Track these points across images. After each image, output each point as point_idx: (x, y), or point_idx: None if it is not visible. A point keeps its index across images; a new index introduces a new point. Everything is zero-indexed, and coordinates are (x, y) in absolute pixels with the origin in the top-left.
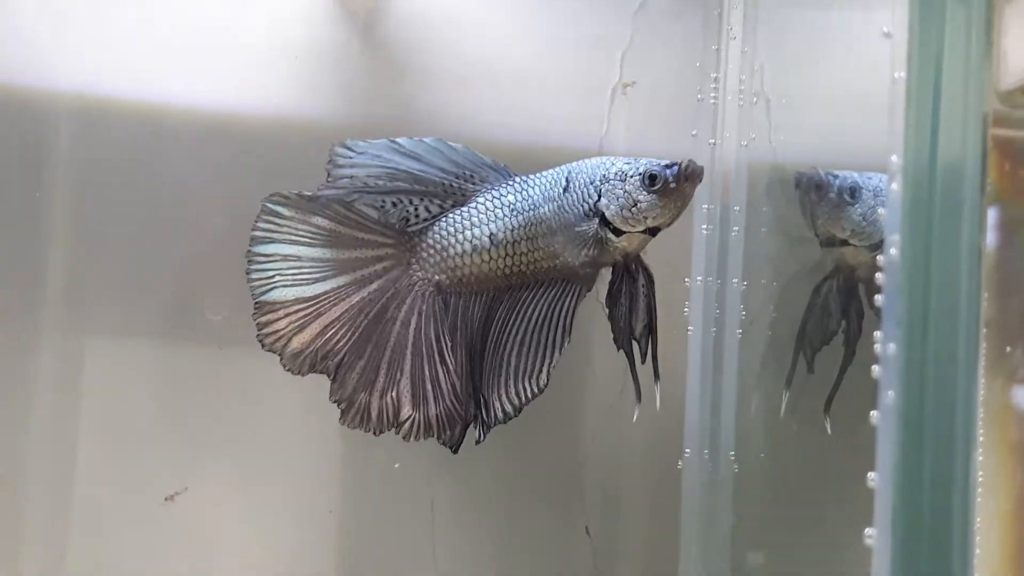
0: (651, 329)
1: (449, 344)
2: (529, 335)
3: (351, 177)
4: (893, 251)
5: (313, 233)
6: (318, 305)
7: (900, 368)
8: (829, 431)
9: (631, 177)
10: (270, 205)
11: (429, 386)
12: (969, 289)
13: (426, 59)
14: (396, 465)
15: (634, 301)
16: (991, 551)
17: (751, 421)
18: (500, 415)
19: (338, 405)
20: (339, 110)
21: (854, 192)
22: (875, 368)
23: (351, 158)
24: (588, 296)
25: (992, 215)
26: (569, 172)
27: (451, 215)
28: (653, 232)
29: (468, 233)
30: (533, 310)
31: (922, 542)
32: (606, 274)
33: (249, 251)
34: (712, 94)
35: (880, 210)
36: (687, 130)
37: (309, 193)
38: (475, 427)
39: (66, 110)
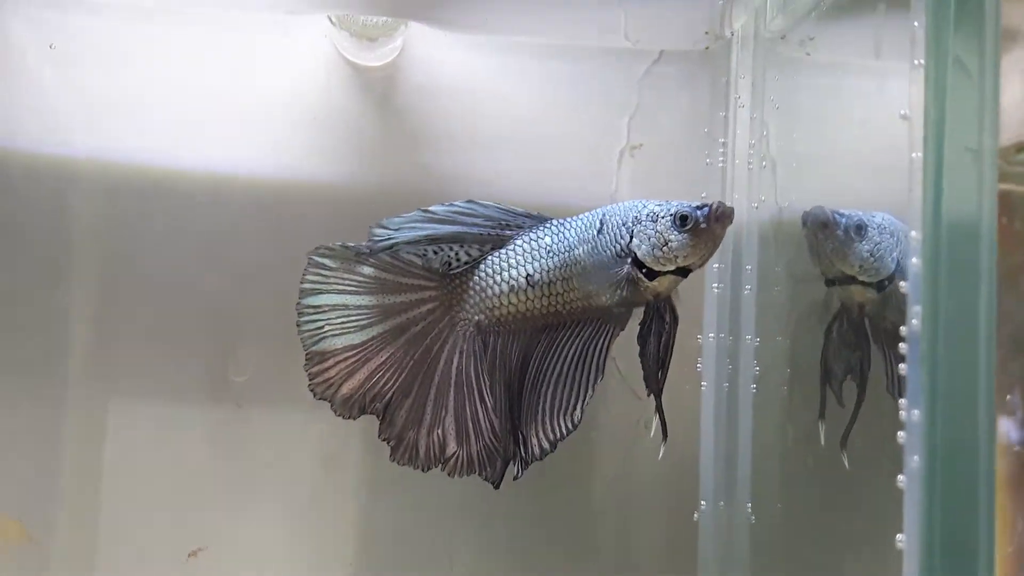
0: (664, 363)
1: (488, 383)
2: (564, 373)
3: (393, 246)
4: (915, 322)
5: (359, 282)
6: (366, 351)
7: (924, 434)
8: (847, 465)
9: (662, 218)
10: (317, 258)
11: (471, 423)
12: (987, 355)
13: (440, 125)
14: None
15: (661, 340)
16: None
17: (769, 472)
18: (537, 451)
19: (387, 443)
20: (355, 175)
21: (860, 229)
22: (900, 434)
23: (390, 235)
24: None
25: None
26: (603, 214)
27: (490, 257)
28: (684, 273)
29: (506, 274)
30: (568, 349)
31: None
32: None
33: (299, 303)
34: (720, 158)
35: (884, 246)
36: (696, 192)
37: (353, 244)
38: (514, 464)
39: (88, 177)
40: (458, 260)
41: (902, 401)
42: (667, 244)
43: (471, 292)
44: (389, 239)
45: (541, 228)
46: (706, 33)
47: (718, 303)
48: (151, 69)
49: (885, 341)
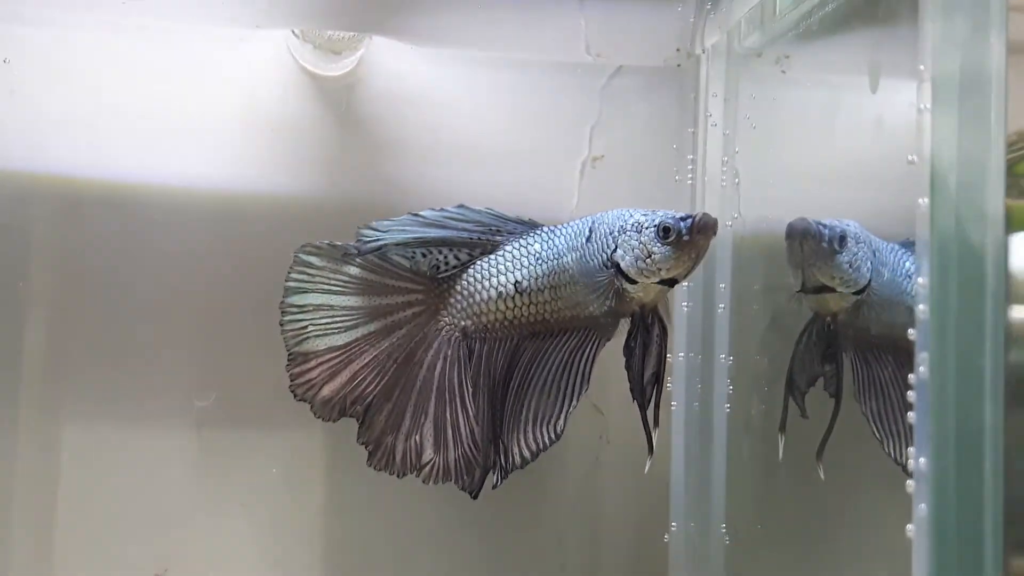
0: (658, 378)
1: (471, 390)
2: (549, 382)
3: (381, 247)
4: (922, 369)
5: (345, 282)
6: (349, 353)
7: (931, 482)
8: (822, 477)
9: (646, 228)
10: (303, 256)
11: (450, 431)
12: (995, 403)
13: (402, 136)
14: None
15: (647, 351)
16: None
17: (746, 493)
18: (518, 461)
19: (365, 447)
20: (314, 185)
21: (842, 240)
22: (909, 483)
23: (378, 236)
24: None
25: None
26: (593, 222)
27: (479, 262)
28: (669, 283)
29: (494, 280)
30: (554, 357)
31: None
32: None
33: (282, 302)
34: (689, 175)
35: (860, 256)
36: (664, 208)
37: (341, 243)
38: (494, 473)
39: (42, 194)
40: (447, 264)
41: (911, 450)
42: (650, 256)
43: (459, 297)
44: (377, 240)
45: (531, 235)
46: (677, 50)
47: (688, 322)
48: (107, 83)
49: (855, 350)
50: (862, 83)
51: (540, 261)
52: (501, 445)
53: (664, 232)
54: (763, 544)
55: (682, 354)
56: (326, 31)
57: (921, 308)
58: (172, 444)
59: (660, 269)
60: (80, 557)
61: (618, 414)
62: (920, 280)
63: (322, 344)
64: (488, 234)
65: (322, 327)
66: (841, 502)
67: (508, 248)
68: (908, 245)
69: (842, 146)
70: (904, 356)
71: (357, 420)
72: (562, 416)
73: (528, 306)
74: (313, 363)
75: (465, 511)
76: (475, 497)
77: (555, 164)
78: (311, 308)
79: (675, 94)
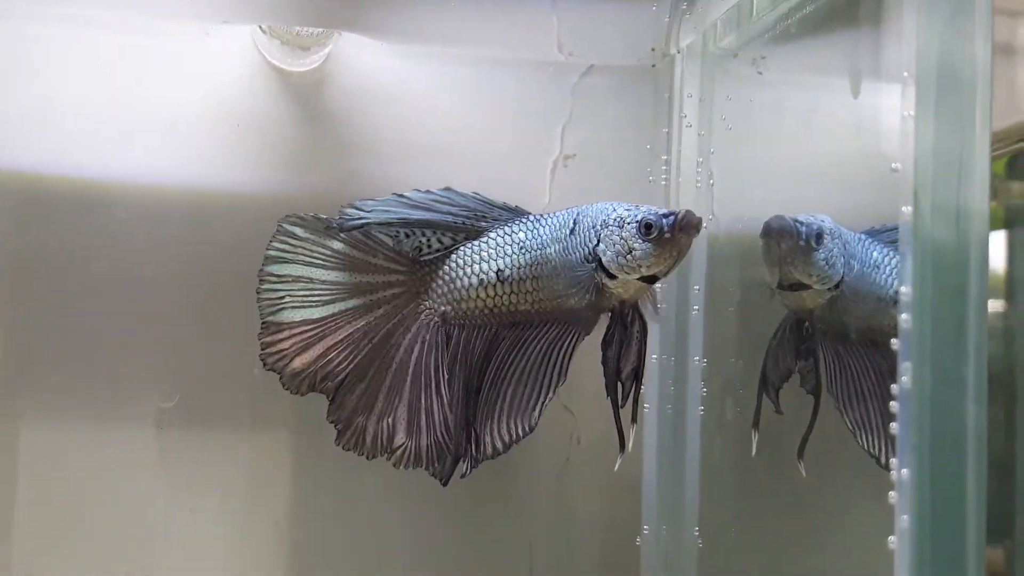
0: (637, 374)
1: (447, 377)
2: (526, 373)
3: (363, 225)
4: (905, 379)
5: (327, 256)
6: (324, 327)
7: (913, 493)
8: (803, 474)
9: (628, 224)
10: (286, 226)
11: (423, 416)
12: (978, 414)
13: (368, 132)
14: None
15: (625, 348)
16: None
17: (719, 496)
18: (490, 451)
19: (335, 426)
20: (282, 182)
21: (819, 237)
22: (892, 494)
23: (362, 215)
24: None
25: None
26: (578, 214)
27: (462, 248)
28: (650, 280)
29: (476, 267)
30: (532, 348)
31: None
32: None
33: (261, 270)
34: (663, 176)
35: (836, 252)
36: None
37: (326, 216)
38: (464, 462)
39: (2, 190)
40: (429, 247)
41: (893, 461)
42: (631, 252)
43: (440, 282)
44: (360, 219)
45: (516, 223)
46: (652, 50)
47: (662, 324)
48: (70, 77)
49: (829, 345)
50: (839, 85)
51: (524, 251)
52: (473, 433)
53: (646, 228)
54: (737, 548)
55: (655, 356)
56: (294, 27)
57: (904, 317)
58: (136, 445)
59: (640, 266)
60: (43, 561)
61: (589, 415)
62: (903, 289)
63: (297, 316)
64: (473, 219)
65: (300, 299)
66: (817, 506)
67: (492, 235)
68: (873, 234)
69: (819, 148)
70: (877, 349)
71: (328, 397)
72: (537, 408)
73: (509, 295)
74: (286, 334)
75: (434, 512)
76: (445, 484)
77: (526, 163)
78: (290, 279)
79: (649, 94)
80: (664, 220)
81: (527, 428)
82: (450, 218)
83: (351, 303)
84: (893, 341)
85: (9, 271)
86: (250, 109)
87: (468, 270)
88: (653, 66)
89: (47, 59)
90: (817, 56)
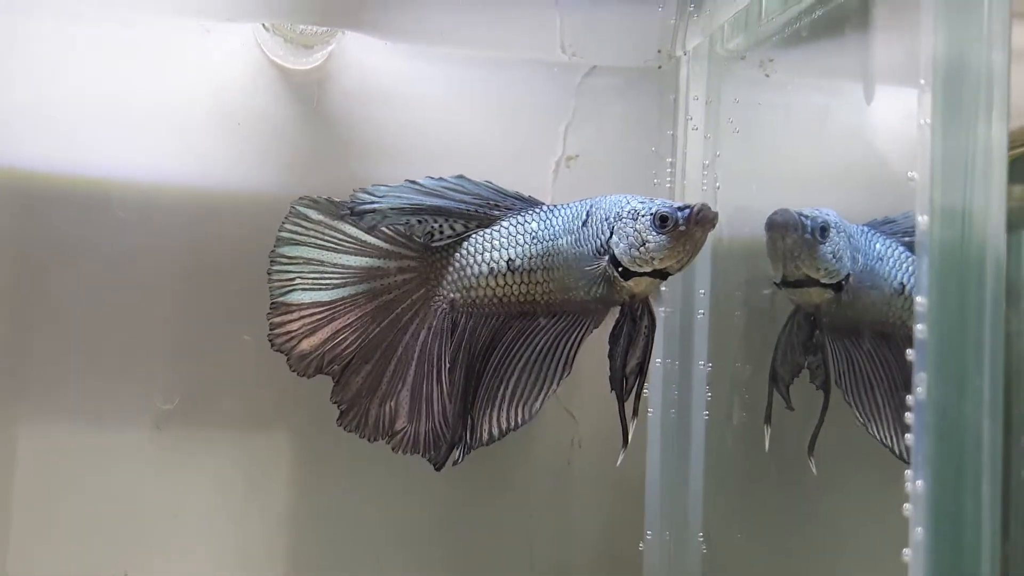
0: (642, 369)
1: (448, 366)
2: (532, 362)
3: (374, 211)
4: (920, 390)
5: (339, 240)
6: (333, 310)
7: (929, 505)
8: (814, 471)
9: (642, 216)
10: (299, 208)
11: (424, 403)
12: (993, 425)
13: (370, 131)
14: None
15: (632, 343)
16: None
17: (725, 501)
18: (485, 437)
19: (338, 407)
20: (283, 181)
21: (824, 231)
22: (906, 506)
23: (374, 200)
24: None
25: None
26: (591, 206)
27: (474, 236)
28: (662, 275)
29: (487, 256)
30: (540, 338)
31: None
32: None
33: (273, 251)
34: (668, 178)
35: (842, 246)
36: None
37: (339, 200)
38: (457, 448)
39: (7, 188)
40: (441, 233)
41: (907, 472)
42: (644, 244)
43: (450, 269)
44: (372, 204)
45: (529, 213)
46: (659, 52)
47: (666, 328)
48: (70, 73)
49: (836, 341)
50: (848, 89)
51: (535, 241)
52: (470, 421)
53: (661, 221)
54: (741, 554)
55: (659, 360)
56: (298, 25)
57: (919, 328)
58: (134, 446)
59: (653, 259)
60: (42, 561)
61: (590, 419)
62: (918, 299)
63: (308, 298)
64: (486, 208)
65: (310, 281)
66: (824, 512)
67: (504, 224)
68: (874, 226)
69: (827, 152)
70: (885, 342)
71: (333, 379)
72: (540, 398)
73: (519, 285)
74: (295, 315)
75: (434, 515)
76: (438, 470)
77: (528, 163)
78: (301, 261)
79: (654, 96)
80: (679, 213)
81: (528, 416)
82: (463, 206)
83: (361, 287)
84: (909, 352)
85: (9, 270)
86: (251, 107)
87: (479, 258)
88: (659, 68)
89: (45, 55)
90: (827, 60)
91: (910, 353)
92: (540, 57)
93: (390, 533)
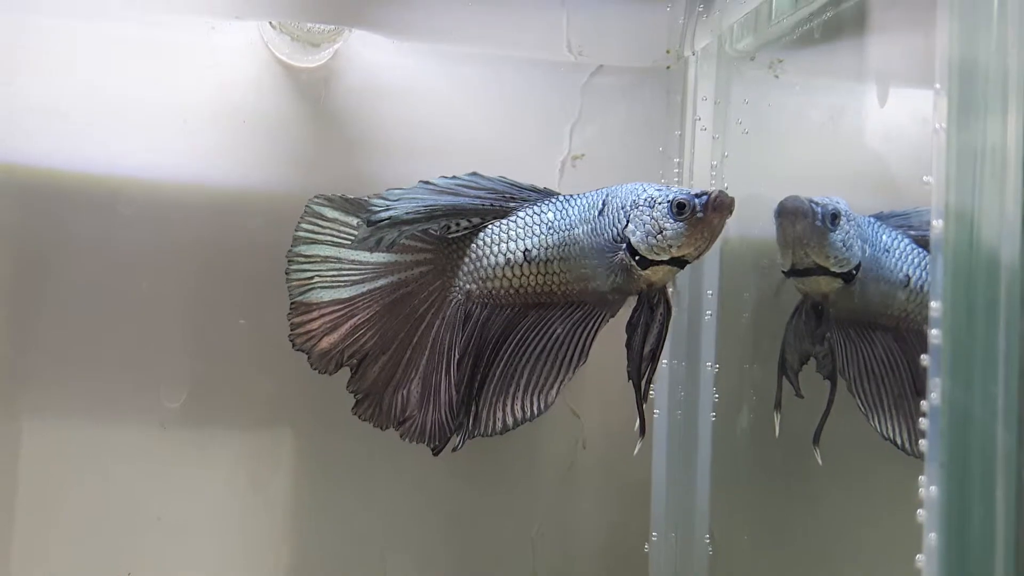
0: (655, 356)
1: (457, 357)
2: (548, 351)
3: (390, 219)
4: (934, 395)
5: (355, 236)
6: (353, 307)
7: (942, 511)
8: (820, 462)
9: (659, 204)
10: (314, 207)
11: (433, 393)
12: (1008, 431)
13: (376, 129)
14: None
15: (649, 331)
16: None
17: (731, 502)
18: (499, 426)
19: (354, 396)
20: (289, 179)
21: (835, 218)
22: (920, 512)
23: (388, 205)
24: None
25: None
26: (607, 195)
27: (490, 226)
28: (680, 264)
29: (503, 246)
30: (556, 327)
31: None
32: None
33: (290, 251)
34: (675, 179)
35: (852, 234)
36: None
37: (354, 197)
38: (457, 435)
39: (9, 186)
40: (458, 224)
41: (921, 478)
42: (662, 232)
43: (466, 260)
44: (387, 210)
45: (545, 203)
46: (667, 52)
47: (673, 329)
48: (77, 72)
49: (844, 331)
50: (859, 90)
51: (552, 231)
52: (474, 408)
53: (678, 208)
54: (748, 555)
55: (666, 361)
56: (305, 23)
57: (934, 333)
58: (140, 445)
59: (671, 246)
60: (46, 560)
61: (595, 419)
62: (933, 304)
63: (327, 296)
64: (501, 201)
65: (328, 279)
66: (832, 514)
67: (520, 215)
68: (881, 218)
69: (837, 153)
70: (891, 333)
71: (351, 370)
72: (555, 387)
73: (535, 275)
74: (315, 314)
75: (437, 515)
76: (436, 454)
77: (534, 162)
78: (319, 259)
79: (662, 96)
80: (697, 200)
81: (543, 406)
82: (478, 201)
83: (379, 282)
84: (923, 357)
85: (14, 266)
86: (257, 105)
87: (495, 248)
88: (668, 68)
89: (51, 52)
90: (837, 61)
91: (925, 358)
92: (547, 56)
93: (395, 532)
